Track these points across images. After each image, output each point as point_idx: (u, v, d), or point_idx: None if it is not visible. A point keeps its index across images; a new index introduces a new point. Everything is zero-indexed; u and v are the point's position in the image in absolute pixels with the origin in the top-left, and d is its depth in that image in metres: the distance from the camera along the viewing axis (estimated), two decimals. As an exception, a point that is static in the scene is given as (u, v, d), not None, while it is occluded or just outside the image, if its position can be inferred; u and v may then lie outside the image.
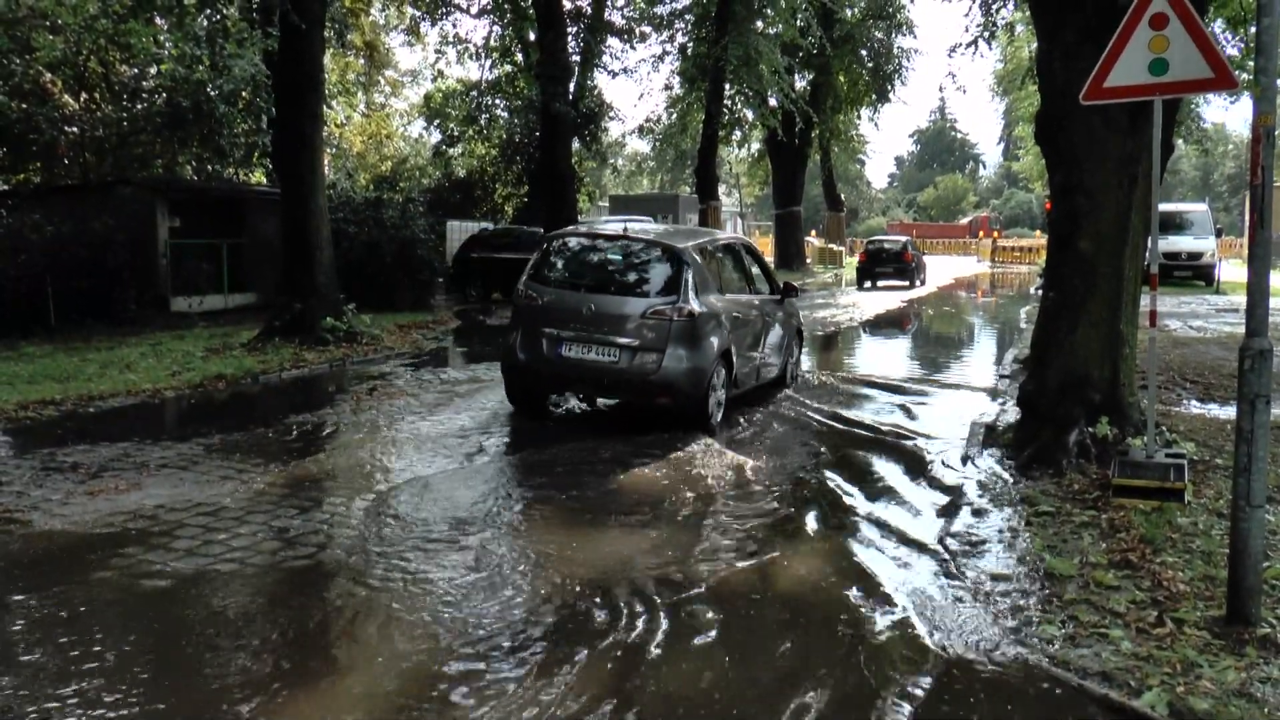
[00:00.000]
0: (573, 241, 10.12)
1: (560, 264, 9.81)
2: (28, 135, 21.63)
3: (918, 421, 10.03)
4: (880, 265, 32.18)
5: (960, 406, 10.84)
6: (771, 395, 11.13)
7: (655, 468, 7.90)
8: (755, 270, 11.39)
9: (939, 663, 4.35)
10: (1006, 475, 7.48)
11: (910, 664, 4.36)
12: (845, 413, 10.36)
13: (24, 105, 21.27)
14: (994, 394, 11.42)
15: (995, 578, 5.33)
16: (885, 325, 21.37)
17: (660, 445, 8.52)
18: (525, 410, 10.02)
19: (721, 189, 43.81)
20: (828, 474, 7.83)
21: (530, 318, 9.44)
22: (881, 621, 4.83)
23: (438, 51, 30.98)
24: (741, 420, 9.88)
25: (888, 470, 8.02)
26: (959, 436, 9.05)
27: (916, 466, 8.06)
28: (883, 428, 9.64)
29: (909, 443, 8.96)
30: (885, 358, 16.18)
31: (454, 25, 43.98)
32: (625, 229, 10.14)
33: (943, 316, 24.21)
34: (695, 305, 9.01)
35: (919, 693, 4.09)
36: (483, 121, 33.97)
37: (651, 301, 9.04)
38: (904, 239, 34.47)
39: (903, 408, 10.84)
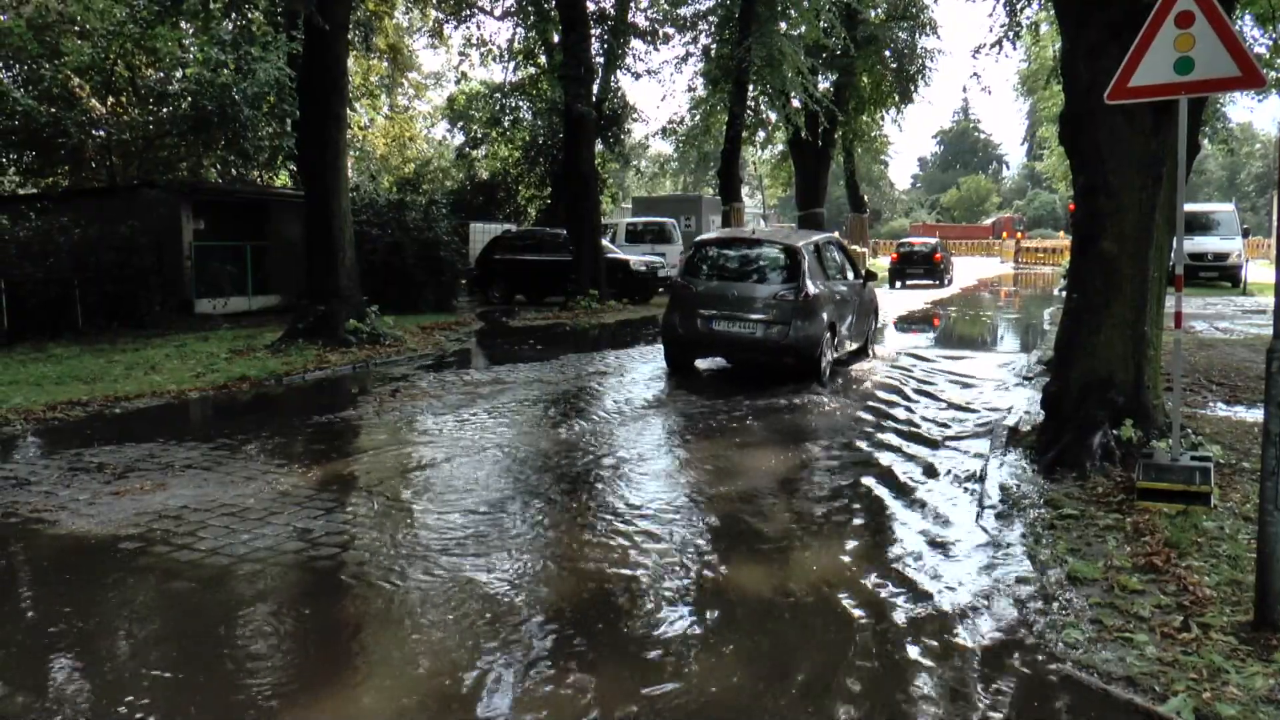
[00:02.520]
0: (715, 246, 13.11)
1: (707, 262, 12.75)
2: (56, 139, 21.90)
3: (963, 382, 12.61)
4: (911, 266, 34.11)
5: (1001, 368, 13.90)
6: (857, 360, 14.17)
7: (790, 406, 10.69)
8: (845, 261, 14.19)
9: (964, 664, 4.32)
10: (1029, 477, 7.42)
11: (935, 663, 4.33)
12: (910, 373, 13.18)
13: (52, 109, 21.52)
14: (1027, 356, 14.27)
15: (1019, 580, 5.29)
16: (917, 322, 21.62)
17: (785, 395, 11.19)
18: (679, 371, 12.93)
19: (744, 190, 43.75)
20: (896, 408, 10.92)
21: (687, 302, 12.38)
22: (909, 617, 4.80)
23: (461, 54, 30.89)
24: (840, 377, 12.74)
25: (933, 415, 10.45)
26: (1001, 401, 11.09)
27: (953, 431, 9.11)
28: (931, 382, 12.54)
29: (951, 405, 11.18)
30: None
31: (478, 27, 44.15)
32: (754, 232, 14.09)
33: (969, 317, 24.06)
34: (810, 289, 11.87)
35: (942, 694, 4.06)
36: (506, 123, 34.07)
37: (778, 287, 11.93)
38: (934, 241, 35.57)
39: (947, 371, 13.49)
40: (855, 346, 14.00)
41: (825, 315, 12.01)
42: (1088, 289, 7.63)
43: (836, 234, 16.22)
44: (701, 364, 13.34)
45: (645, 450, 8.50)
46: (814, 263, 12.33)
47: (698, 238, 14.59)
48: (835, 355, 12.72)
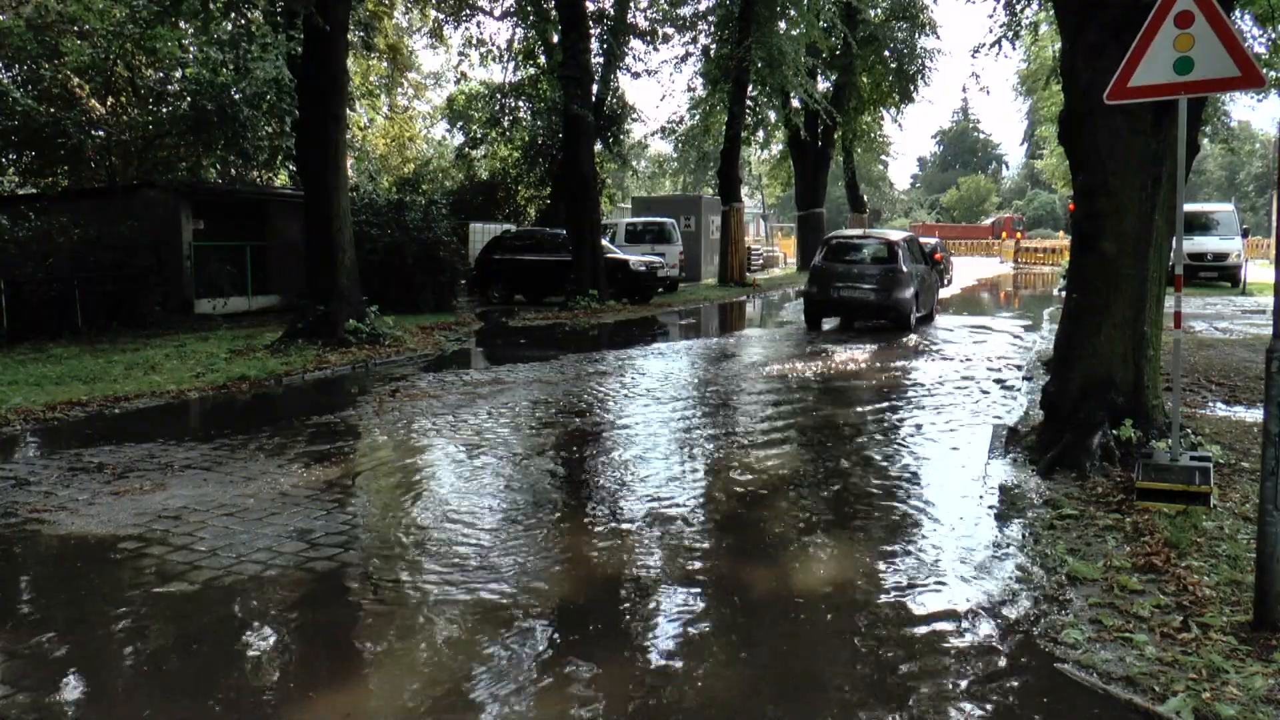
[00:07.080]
0: (840, 239, 19.62)
1: (833, 250, 18.92)
2: (55, 139, 21.88)
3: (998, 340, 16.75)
4: None
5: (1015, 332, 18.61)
6: (927, 323, 19.75)
7: (889, 342, 16.65)
8: (920, 253, 19.67)
9: (962, 663, 4.32)
10: (1029, 478, 7.42)
11: (937, 663, 4.33)
12: (965, 327, 19.34)
13: (52, 109, 21.50)
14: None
15: (1018, 580, 5.29)
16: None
17: (887, 338, 17.05)
18: (812, 324, 19.01)
19: (744, 190, 43.71)
20: (951, 344, 16.68)
21: (822, 276, 18.54)
22: (915, 613, 4.81)
23: (461, 54, 30.86)
24: (921, 330, 18.43)
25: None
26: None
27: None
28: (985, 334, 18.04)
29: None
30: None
31: (477, 28, 44.22)
32: (865, 232, 21.35)
33: (971, 316, 24.08)
34: (904, 267, 17.98)
35: (940, 692, 4.06)
36: (505, 124, 34.04)
37: (882, 266, 18.11)
38: (934, 241, 35.33)
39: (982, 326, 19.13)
40: (925, 313, 19.57)
41: (913, 286, 17.96)
42: (1088, 289, 7.63)
43: (915, 234, 22.76)
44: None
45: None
46: (905, 250, 18.32)
47: (829, 234, 21.81)
48: (918, 315, 18.45)
